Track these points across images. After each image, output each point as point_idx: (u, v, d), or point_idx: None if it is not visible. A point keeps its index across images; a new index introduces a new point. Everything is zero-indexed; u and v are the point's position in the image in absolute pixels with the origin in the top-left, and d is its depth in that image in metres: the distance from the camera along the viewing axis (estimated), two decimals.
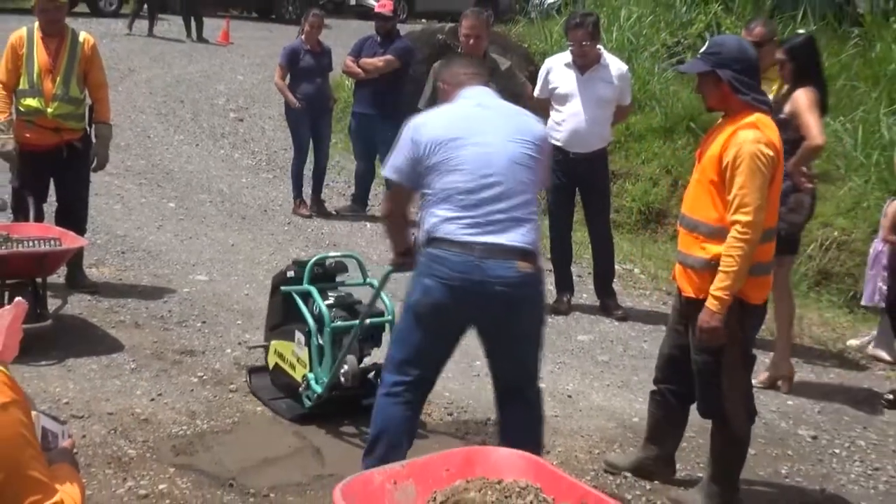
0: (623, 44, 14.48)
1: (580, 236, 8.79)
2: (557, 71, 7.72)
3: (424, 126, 4.33)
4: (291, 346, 5.58)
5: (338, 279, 5.81)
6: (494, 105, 4.51)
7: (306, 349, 5.46)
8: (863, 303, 7.56)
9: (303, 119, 10.44)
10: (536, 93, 7.86)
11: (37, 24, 7.15)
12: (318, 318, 5.42)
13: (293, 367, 5.57)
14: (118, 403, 5.59)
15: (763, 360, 6.65)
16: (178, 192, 10.84)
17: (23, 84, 7.06)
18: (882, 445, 5.86)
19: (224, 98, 15.71)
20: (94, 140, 7.41)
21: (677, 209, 10.42)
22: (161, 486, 4.68)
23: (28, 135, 7.09)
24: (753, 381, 6.76)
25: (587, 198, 8.04)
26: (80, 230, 7.20)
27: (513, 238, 4.12)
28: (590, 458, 5.34)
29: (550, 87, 7.74)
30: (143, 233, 9.22)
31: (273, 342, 5.79)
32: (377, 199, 10.94)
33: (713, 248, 4.34)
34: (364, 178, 10.86)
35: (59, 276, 7.19)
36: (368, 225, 10.33)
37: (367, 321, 5.34)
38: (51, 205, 7.48)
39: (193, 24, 21.04)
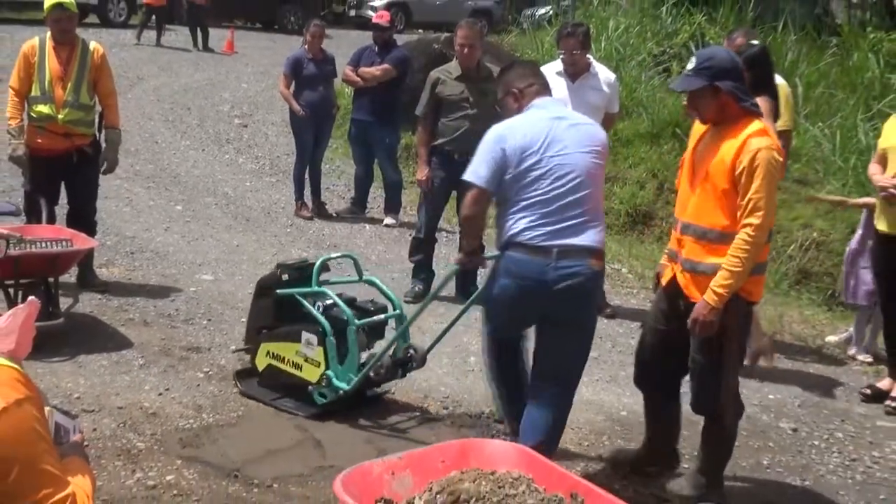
0: (611, 53, 14.51)
1: None
2: (549, 79, 7.69)
3: (510, 136, 4.55)
4: (296, 347, 5.52)
5: (322, 278, 5.76)
6: (566, 115, 4.77)
7: (320, 348, 5.43)
8: (847, 300, 7.51)
9: (306, 125, 10.44)
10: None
11: (48, 33, 7.14)
12: (334, 319, 5.45)
13: (298, 367, 5.51)
14: (127, 398, 5.58)
15: None
16: (184, 196, 10.83)
17: (35, 91, 7.06)
18: (859, 437, 5.87)
19: (229, 105, 15.70)
20: (103, 145, 7.39)
21: (663, 211, 10.53)
22: (169, 477, 4.67)
23: (40, 140, 7.09)
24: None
25: None
26: (91, 232, 7.19)
27: (586, 239, 4.45)
28: (580, 449, 5.34)
29: None
30: (151, 234, 9.21)
31: (264, 344, 5.68)
32: (376, 202, 10.95)
33: (725, 253, 4.29)
34: (363, 182, 10.87)
35: (70, 276, 7.18)
36: (367, 226, 10.33)
37: (381, 317, 5.66)
38: (62, 207, 7.46)
39: (199, 34, 21.09)
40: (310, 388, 5.49)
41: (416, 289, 7.93)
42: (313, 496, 4.58)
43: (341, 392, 5.42)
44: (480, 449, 3.38)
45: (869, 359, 7.23)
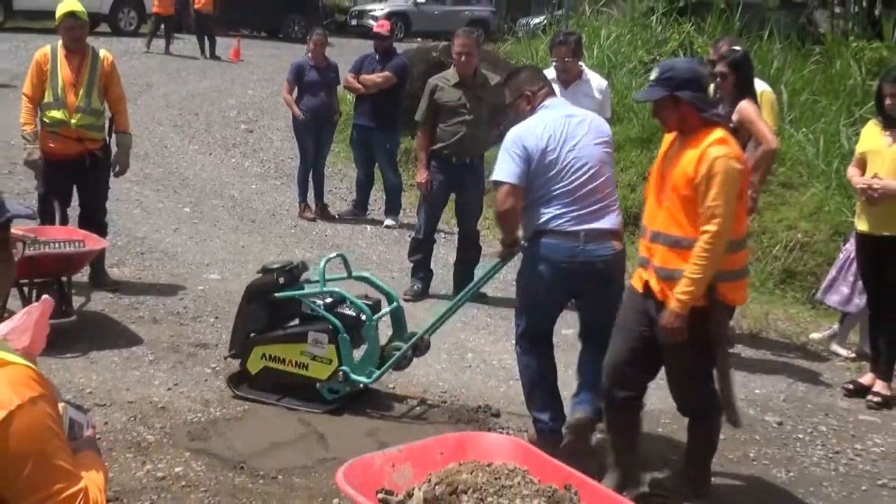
0: (603, 61, 14.50)
1: None
2: None
3: (530, 136, 4.83)
4: (301, 348, 5.48)
5: (302, 278, 5.78)
6: (575, 113, 5.03)
7: (331, 346, 5.44)
8: (839, 307, 7.33)
9: (308, 130, 10.44)
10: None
11: (60, 41, 7.15)
12: (342, 316, 5.50)
13: (304, 366, 5.48)
14: (138, 392, 5.59)
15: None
16: (192, 198, 10.82)
17: (48, 97, 7.06)
18: (842, 430, 5.87)
19: (235, 111, 15.70)
20: (114, 149, 7.40)
21: None
22: (177, 469, 4.68)
23: (52, 145, 7.09)
24: None
25: None
26: (102, 233, 7.19)
27: (607, 222, 4.78)
28: None
29: None
30: (161, 235, 9.21)
31: (258, 348, 5.58)
32: (376, 204, 10.95)
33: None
34: (364, 185, 10.87)
35: (82, 276, 7.18)
36: (368, 228, 10.33)
37: (387, 309, 5.74)
38: (74, 209, 7.46)
39: (207, 42, 21.09)
40: (318, 385, 5.48)
41: (416, 287, 7.93)
42: (316, 487, 4.58)
43: (361, 385, 5.54)
44: (477, 442, 3.38)
45: (852, 355, 7.22)
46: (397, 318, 5.75)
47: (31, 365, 1.97)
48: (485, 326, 7.34)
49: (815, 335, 7.77)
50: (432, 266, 8.13)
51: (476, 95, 7.82)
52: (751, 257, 9.12)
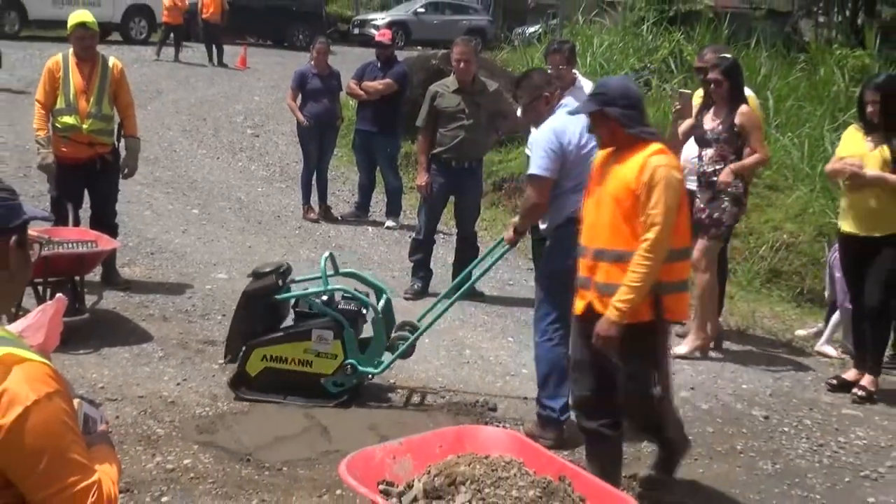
0: (596, 68, 14.52)
1: None
2: None
3: (562, 132, 4.96)
4: (304, 346, 5.45)
5: (288, 278, 5.76)
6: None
7: (336, 342, 5.44)
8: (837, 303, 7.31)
9: (311, 135, 10.44)
10: (519, 113, 7.85)
11: (71, 50, 7.15)
12: (346, 311, 5.54)
13: (307, 363, 5.45)
14: (148, 388, 5.58)
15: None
16: (201, 200, 10.81)
17: (60, 104, 7.06)
18: (826, 424, 5.87)
19: (242, 116, 15.69)
20: (123, 153, 7.40)
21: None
22: (186, 461, 4.68)
23: (64, 149, 7.09)
24: (681, 351, 6.86)
25: None
26: (113, 233, 7.19)
27: None
28: (567, 435, 5.31)
29: None
30: (170, 236, 9.20)
31: (258, 350, 5.47)
32: (378, 206, 10.93)
33: None
34: (366, 188, 10.86)
35: (95, 275, 7.17)
36: (370, 229, 10.32)
37: (382, 302, 5.79)
38: (84, 211, 7.45)
39: (215, 50, 21.10)
40: (322, 380, 5.48)
41: (415, 286, 7.93)
42: (320, 479, 4.58)
43: (370, 376, 5.60)
44: (475, 435, 3.39)
45: (842, 356, 7.17)
46: (388, 310, 5.81)
47: (46, 361, 1.97)
48: (482, 324, 7.34)
49: (800, 332, 7.77)
50: (432, 266, 8.13)
51: (475, 101, 7.82)
52: (738, 257, 9.17)
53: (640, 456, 5.13)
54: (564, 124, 4.96)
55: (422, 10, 29.22)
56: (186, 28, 21.84)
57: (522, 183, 5.09)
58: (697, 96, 7.15)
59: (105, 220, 7.30)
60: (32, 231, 5.88)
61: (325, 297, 5.57)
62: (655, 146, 4.13)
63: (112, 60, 7.29)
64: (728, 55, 6.93)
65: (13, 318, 2.23)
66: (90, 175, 7.19)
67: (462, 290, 5.83)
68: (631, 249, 4.05)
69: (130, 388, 5.56)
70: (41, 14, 21.51)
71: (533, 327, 5.31)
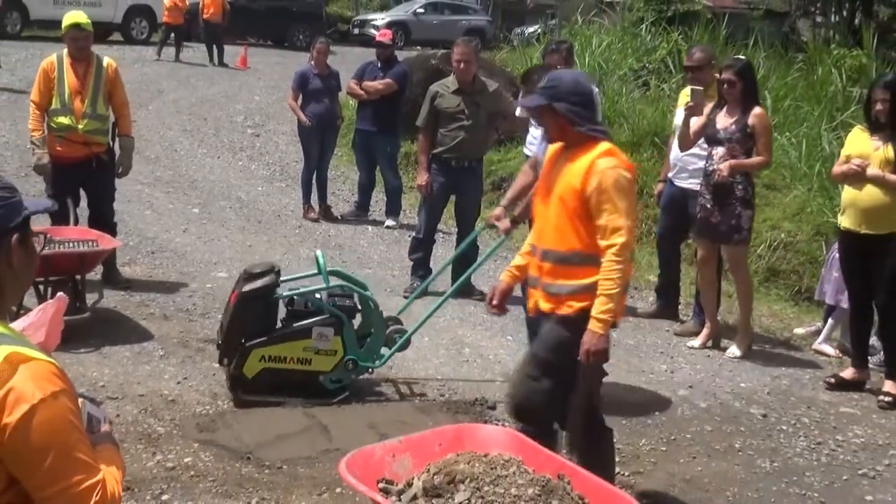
0: (594, 68, 14.51)
1: None
2: None
3: None
4: (303, 344, 5.41)
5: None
6: None
7: (336, 338, 5.44)
8: (826, 301, 7.37)
9: (312, 135, 10.44)
10: (518, 112, 7.87)
11: (65, 50, 7.14)
12: (343, 308, 5.55)
13: (306, 362, 5.43)
14: (148, 386, 5.58)
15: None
16: (201, 199, 10.81)
17: (55, 104, 7.05)
18: (824, 422, 5.87)
19: (242, 116, 15.68)
20: (118, 151, 7.40)
21: (642, 214, 10.52)
22: (186, 459, 4.67)
23: (60, 148, 7.09)
24: (695, 344, 6.93)
25: None
26: (111, 232, 7.18)
27: None
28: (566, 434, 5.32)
29: None
30: (171, 235, 9.20)
31: (257, 350, 5.36)
32: (377, 206, 10.94)
33: (588, 274, 3.94)
34: (366, 187, 10.87)
35: (95, 274, 7.17)
36: (370, 228, 10.32)
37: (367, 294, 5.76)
38: (82, 210, 7.43)
39: (215, 50, 21.10)
40: (321, 377, 5.47)
41: (415, 285, 7.93)
42: (320, 477, 4.58)
43: (370, 370, 5.64)
44: (474, 433, 3.38)
45: (840, 356, 7.17)
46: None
47: (52, 360, 1.97)
48: (481, 322, 7.33)
49: (798, 331, 7.77)
50: (431, 265, 8.13)
51: (474, 101, 7.81)
52: None
53: (638, 454, 5.14)
54: None
55: (421, 10, 29.24)
56: (187, 28, 21.84)
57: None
58: (684, 94, 7.30)
59: (103, 220, 7.30)
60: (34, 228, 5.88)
61: (318, 295, 5.57)
62: (603, 146, 4.02)
63: (106, 60, 7.28)
64: (741, 56, 6.97)
65: (14, 317, 2.22)
66: (85, 174, 7.19)
67: (458, 283, 5.91)
68: (574, 251, 3.98)
69: (131, 386, 5.55)
70: (43, 14, 21.49)
71: None
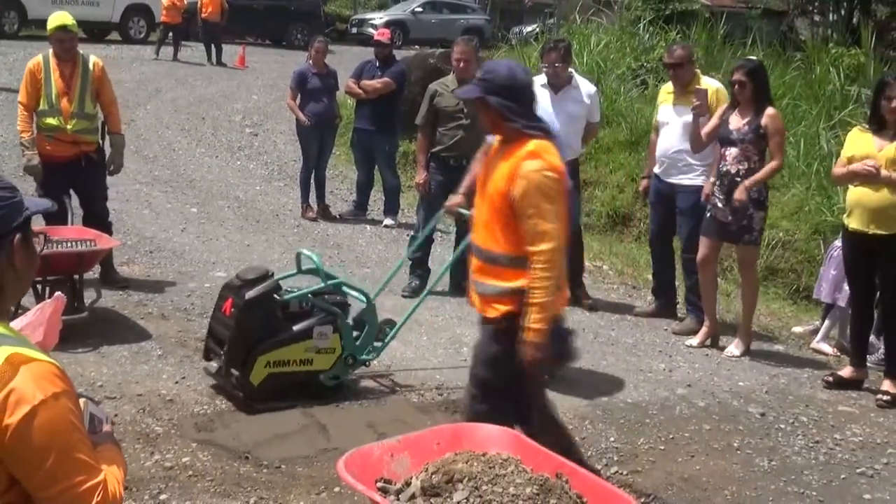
0: (592, 67, 14.50)
1: None
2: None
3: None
4: (306, 345, 5.39)
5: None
6: None
7: (335, 336, 5.46)
8: (823, 299, 7.38)
9: (311, 134, 10.43)
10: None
11: (51, 50, 7.13)
12: (341, 304, 5.59)
13: (308, 362, 5.42)
14: (146, 386, 5.58)
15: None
16: (199, 199, 10.81)
17: (43, 105, 7.04)
18: (822, 421, 5.87)
19: (240, 115, 15.68)
20: (108, 150, 7.39)
21: (641, 213, 10.54)
22: (184, 459, 4.67)
23: (49, 148, 7.08)
24: (694, 343, 6.94)
25: None
26: (108, 231, 7.18)
27: None
28: None
29: None
30: (169, 234, 9.19)
31: (262, 357, 5.28)
32: (376, 205, 10.94)
33: (515, 277, 3.84)
34: (364, 186, 10.86)
35: (94, 273, 7.16)
36: (368, 227, 10.32)
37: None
38: (79, 209, 7.43)
39: (213, 50, 21.10)
40: (321, 376, 5.47)
41: (413, 284, 7.93)
42: (318, 476, 4.58)
43: (367, 364, 5.74)
44: (472, 433, 3.38)
45: (837, 354, 7.17)
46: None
47: (53, 361, 1.98)
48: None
49: (796, 329, 7.77)
50: (430, 264, 8.12)
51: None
52: (734, 255, 9.16)
53: (636, 453, 5.14)
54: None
55: (420, 9, 29.23)
56: (185, 27, 21.83)
57: None
58: (665, 91, 7.47)
59: (97, 218, 7.26)
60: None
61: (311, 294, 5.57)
62: (530, 146, 3.83)
63: (92, 59, 7.26)
64: (752, 57, 6.97)
65: (12, 317, 2.21)
66: (76, 173, 7.17)
67: (442, 270, 6.11)
68: (501, 252, 3.89)
69: (129, 386, 5.55)
70: (40, 13, 21.36)
71: None
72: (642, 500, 4.59)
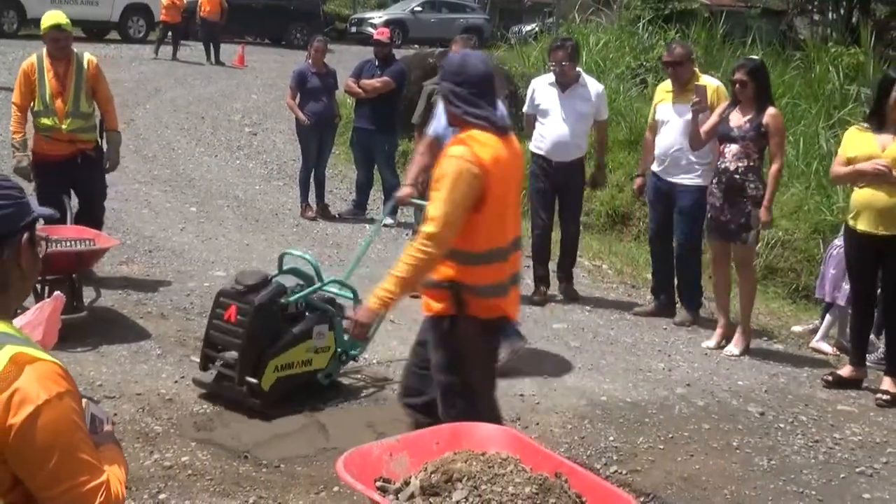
0: (592, 66, 14.50)
1: (554, 236, 8.78)
2: (541, 90, 7.73)
3: None
4: (306, 346, 5.39)
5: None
6: None
7: (330, 333, 5.48)
8: (826, 299, 7.34)
9: (310, 133, 10.42)
10: (525, 109, 7.91)
11: (45, 50, 7.10)
12: (331, 301, 5.63)
13: (308, 362, 5.43)
14: (146, 385, 5.58)
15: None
16: (198, 198, 10.81)
17: (37, 106, 7.03)
18: (821, 420, 5.87)
19: (240, 114, 15.67)
20: (105, 147, 7.38)
21: (640, 212, 10.55)
22: (184, 458, 4.67)
23: (46, 146, 7.07)
24: (711, 344, 6.94)
25: (564, 201, 7.97)
26: (99, 228, 7.16)
27: None
28: (564, 432, 5.34)
29: (535, 103, 7.73)
30: (168, 234, 9.19)
31: (272, 361, 5.24)
32: (375, 204, 10.94)
33: (445, 270, 3.75)
34: (363, 186, 10.87)
35: (97, 270, 7.17)
36: (367, 227, 10.30)
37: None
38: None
39: (213, 49, 21.08)
40: (318, 375, 5.48)
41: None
42: (317, 476, 4.58)
43: (356, 359, 5.78)
44: (471, 432, 3.37)
45: (837, 353, 7.17)
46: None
47: (57, 361, 1.98)
48: None
49: (795, 328, 7.77)
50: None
51: None
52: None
53: (636, 452, 5.14)
54: None
55: (419, 8, 29.21)
56: (185, 26, 21.81)
57: None
58: (663, 90, 7.45)
59: (92, 217, 7.22)
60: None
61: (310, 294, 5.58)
62: (467, 134, 3.75)
63: (87, 57, 7.23)
64: (754, 57, 6.98)
65: (12, 316, 2.22)
66: (74, 172, 7.14)
67: (364, 245, 6.21)
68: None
69: (128, 385, 5.55)
70: (39, 13, 21.10)
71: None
72: (641, 499, 4.59)
